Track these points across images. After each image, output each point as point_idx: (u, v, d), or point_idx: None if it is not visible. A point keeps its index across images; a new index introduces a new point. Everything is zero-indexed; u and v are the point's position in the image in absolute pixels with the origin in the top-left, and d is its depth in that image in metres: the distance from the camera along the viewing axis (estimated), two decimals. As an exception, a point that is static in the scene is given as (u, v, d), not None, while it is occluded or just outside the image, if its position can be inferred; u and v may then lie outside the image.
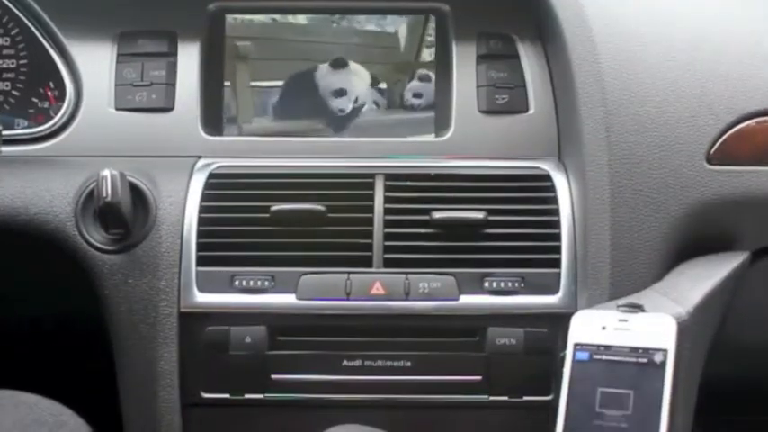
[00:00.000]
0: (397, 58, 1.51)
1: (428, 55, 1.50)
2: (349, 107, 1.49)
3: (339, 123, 1.48)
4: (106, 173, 1.27)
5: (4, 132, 1.45)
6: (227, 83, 1.48)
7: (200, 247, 1.31)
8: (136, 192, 1.33)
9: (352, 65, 1.50)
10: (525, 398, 1.31)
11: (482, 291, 1.29)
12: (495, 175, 1.36)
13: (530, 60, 1.46)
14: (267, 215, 1.32)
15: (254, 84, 1.49)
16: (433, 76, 1.49)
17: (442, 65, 1.48)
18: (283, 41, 1.51)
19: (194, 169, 1.37)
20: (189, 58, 1.47)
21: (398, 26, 1.50)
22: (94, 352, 1.40)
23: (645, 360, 1.11)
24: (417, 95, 1.49)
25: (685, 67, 1.33)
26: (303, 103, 1.49)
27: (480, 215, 1.31)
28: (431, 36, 1.50)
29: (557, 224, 1.32)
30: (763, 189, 1.29)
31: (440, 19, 1.49)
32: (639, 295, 1.24)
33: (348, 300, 1.29)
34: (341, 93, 1.49)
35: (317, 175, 1.36)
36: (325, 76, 1.50)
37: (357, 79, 1.50)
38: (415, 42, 1.51)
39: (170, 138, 1.44)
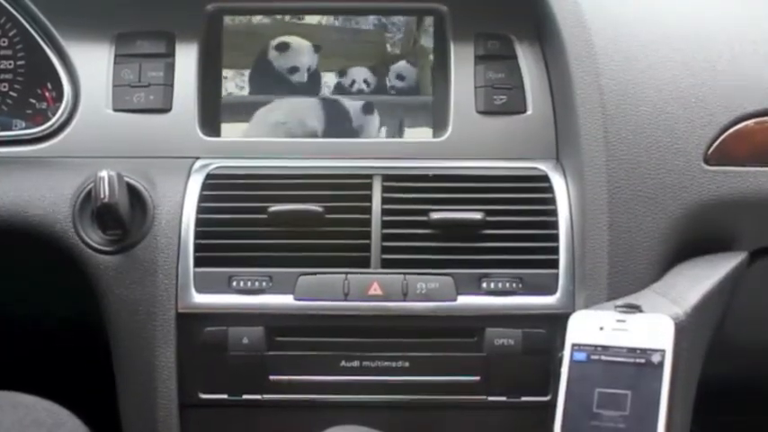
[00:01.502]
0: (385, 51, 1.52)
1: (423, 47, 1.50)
2: (305, 77, 1.49)
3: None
4: (104, 173, 1.27)
5: (2, 133, 1.46)
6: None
7: (197, 247, 1.31)
8: (133, 192, 1.33)
9: (294, 42, 1.50)
10: (523, 398, 1.31)
11: (480, 291, 1.29)
12: (493, 176, 1.36)
13: (527, 61, 1.46)
14: (265, 216, 1.32)
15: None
16: (419, 61, 1.49)
17: (440, 65, 1.48)
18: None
19: (192, 170, 1.37)
20: (186, 59, 1.47)
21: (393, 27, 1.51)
22: (92, 353, 1.40)
23: (642, 360, 1.11)
24: (401, 77, 1.49)
25: (683, 67, 1.33)
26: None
27: (478, 216, 1.31)
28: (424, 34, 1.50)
29: (554, 225, 1.31)
30: (762, 189, 1.29)
31: (438, 19, 1.49)
32: (637, 296, 1.23)
33: (346, 300, 1.29)
34: (294, 70, 1.50)
35: (314, 176, 1.36)
36: (277, 59, 1.50)
37: (304, 57, 1.50)
38: (408, 39, 1.51)
39: (168, 138, 1.43)
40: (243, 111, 1.49)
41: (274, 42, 1.50)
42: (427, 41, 1.50)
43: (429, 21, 1.50)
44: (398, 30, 1.50)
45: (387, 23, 1.51)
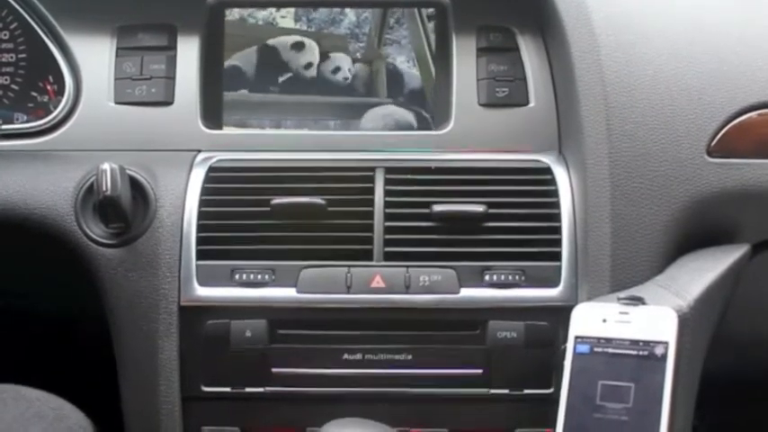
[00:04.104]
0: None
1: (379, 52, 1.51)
2: (315, 72, 1.50)
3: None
4: (106, 166, 1.27)
5: (4, 126, 1.46)
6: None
7: (200, 240, 1.31)
8: (136, 186, 1.33)
9: (306, 41, 1.51)
10: (526, 391, 1.30)
11: (483, 284, 1.29)
12: (496, 168, 1.36)
13: (530, 53, 1.46)
14: (267, 209, 1.32)
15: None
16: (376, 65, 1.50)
17: (442, 58, 1.48)
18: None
19: (194, 163, 1.37)
20: (188, 52, 1.47)
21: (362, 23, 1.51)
22: (95, 346, 1.40)
23: (646, 353, 1.11)
24: (337, 69, 1.50)
25: (686, 59, 1.33)
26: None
27: (480, 208, 1.31)
28: (392, 28, 1.50)
29: (557, 217, 1.31)
30: (764, 182, 1.29)
31: (440, 12, 1.49)
32: (640, 288, 1.23)
33: (348, 293, 1.29)
34: (309, 66, 1.50)
35: (317, 169, 1.36)
36: (296, 58, 1.51)
37: (315, 53, 1.51)
38: (371, 44, 1.51)
39: (170, 131, 1.43)
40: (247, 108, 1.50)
41: (289, 43, 1.50)
42: (385, 50, 1.51)
43: (397, 29, 1.50)
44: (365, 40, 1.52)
45: (359, 33, 1.51)
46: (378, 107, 1.49)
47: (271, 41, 1.50)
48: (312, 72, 1.50)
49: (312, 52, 1.51)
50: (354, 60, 1.50)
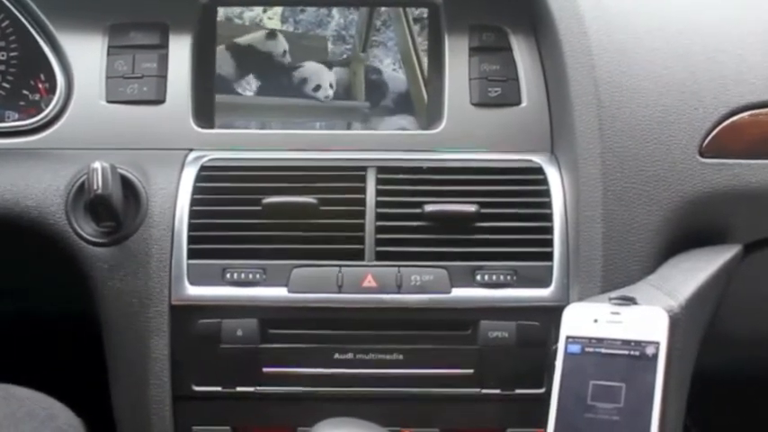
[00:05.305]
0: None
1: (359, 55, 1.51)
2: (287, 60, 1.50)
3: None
4: (97, 165, 1.27)
5: (-6, 125, 1.45)
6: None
7: (191, 239, 1.31)
8: (127, 184, 1.33)
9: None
10: (517, 391, 1.30)
11: (474, 284, 1.29)
12: (488, 168, 1.36)
13: (522, 53, 1.46)
14: (259, 208, 1.31)
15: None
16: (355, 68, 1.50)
17: (434, 57, 1.48)
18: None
19: (186, 162, 1.37)
20: (180, 51, 1.47)
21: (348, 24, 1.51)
22: (86, 345, 1.40)
23: (637, 353, 1.11)
24: (317, 88, 1.50)
25: (678, 59, 1.33)
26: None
27: (472, 208, 1.31)
28: (379, 30, 1.50)
29: (549, 217, 1.31)
30: (756, 182, 1.29)
31: (432, 11, 1.49)
32: (632, 288, 1.23)
33: (340, 293, 1.29)
34: (285, 53, 1.51)
35: (308, 168, 1.36)
36: (275, 47, 1.51)
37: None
38: (356, 48, 1.51)
39: (161, 130, 1.43)
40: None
41: (264, 34, 1.50)
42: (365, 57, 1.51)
43: (383, 31, 1.50)
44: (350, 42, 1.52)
45: (345, 35, 1.50)
46: (395, 116, 1.49)
47: (244, 39, 1.50)
48: (287, 58, 1.50)
49: (282, 40, 1.51)
50: (333, 66, 1.50)
